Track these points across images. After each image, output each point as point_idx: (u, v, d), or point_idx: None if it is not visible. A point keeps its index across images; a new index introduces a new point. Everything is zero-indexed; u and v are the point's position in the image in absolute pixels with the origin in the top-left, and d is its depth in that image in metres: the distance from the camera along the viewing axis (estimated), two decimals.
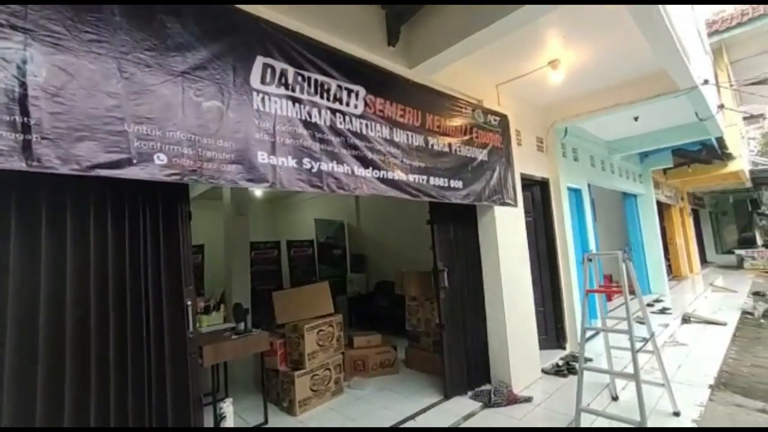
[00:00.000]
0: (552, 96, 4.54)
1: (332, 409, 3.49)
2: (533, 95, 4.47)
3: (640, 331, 3.42)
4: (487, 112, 3.72)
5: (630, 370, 2.85)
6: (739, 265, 13.45)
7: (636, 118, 5.30)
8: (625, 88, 4.25)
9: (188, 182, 1.89)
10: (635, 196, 8.36)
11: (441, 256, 3.65)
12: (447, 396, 3.54)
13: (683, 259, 11.21)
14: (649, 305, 6.86)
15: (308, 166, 2.29)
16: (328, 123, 2.43)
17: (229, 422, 2.78)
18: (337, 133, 2.47)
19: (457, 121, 3.35)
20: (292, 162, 2.22)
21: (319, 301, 3.97)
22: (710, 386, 3.72)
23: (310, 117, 2.35)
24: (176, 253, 2.11)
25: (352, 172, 2.50)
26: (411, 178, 2.87)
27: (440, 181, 3.10)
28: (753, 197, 14.99)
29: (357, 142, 2.56)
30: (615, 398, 3.56)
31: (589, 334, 3.68)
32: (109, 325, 1.88)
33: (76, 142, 1.52)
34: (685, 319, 6.42)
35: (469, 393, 3.59)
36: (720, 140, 6.87)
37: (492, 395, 3.47)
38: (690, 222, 12.83)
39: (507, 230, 3.91)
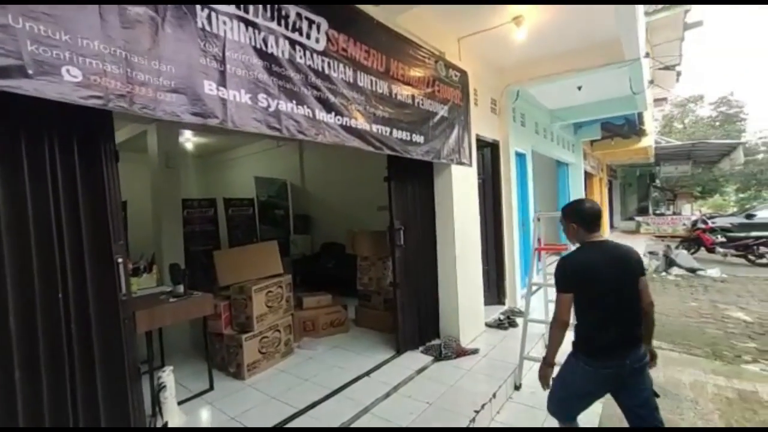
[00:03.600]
0: (510, 57, 4.52)
1: (283, 370, 3.36)
2: (492, 54, 4.40)
3: None
4: (449, 65, 3.57)
5: None
6: (637, 230, 15.75)
7: (580, 88, 5.53)
8: (578, 54, 4.35)
9: (115, 110, 1.50)
10: (567, 164, 8.99)
11: (397, 214, 3.56)
12: (399, 351, 3.59)
13: None
14: None
15: (264, 103, 1.98)
16: (286, 56, 2.10)
17: (170, 392, 2.52)
18: (297, 69, 2.16)
19: (420, 72, 3.16)
20: (245, 97, 1.89)
21: (267, 261, 3.70)
22: None
23: (266, 46, 2.00)
24: (101, 202, 1.73)
25: (314, 115, 2.23)
26: (375, 128, 2.67)
27: (403, 135, 2.94)
28: (653, 172, 17.24)
29: (319, 82, 2.28)
30: None
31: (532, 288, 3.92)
32: (6, 288, 1.49)
33: None
34: None
35: (421, 348, 3.68)
36: (640, 116, 7.54)
37: (442, 349, 3.59)
38: (605, 191, 14.34)
39: (462, 190, 3.92)
